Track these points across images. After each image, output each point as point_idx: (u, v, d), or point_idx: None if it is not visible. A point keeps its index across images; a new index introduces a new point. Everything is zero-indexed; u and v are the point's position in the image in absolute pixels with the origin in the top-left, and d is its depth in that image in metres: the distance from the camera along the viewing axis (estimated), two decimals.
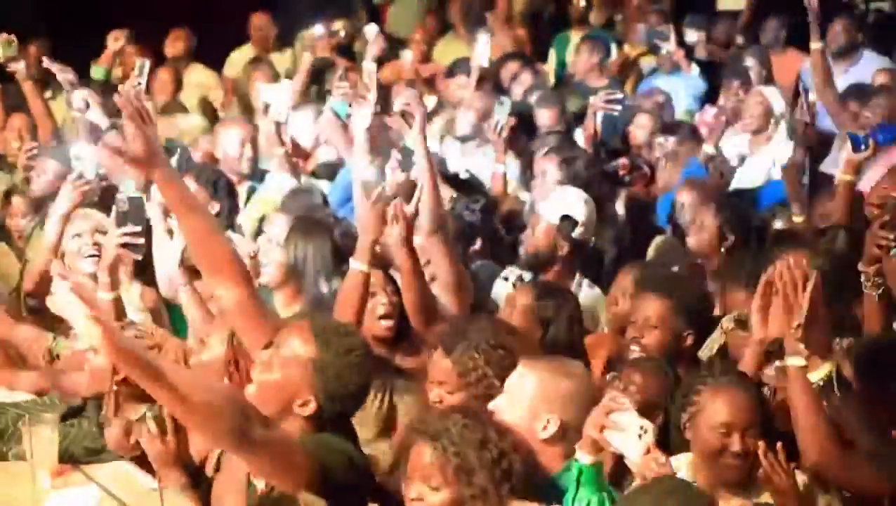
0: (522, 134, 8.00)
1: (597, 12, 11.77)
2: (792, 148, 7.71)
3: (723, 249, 6.27)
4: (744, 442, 4.17)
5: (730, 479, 4.22)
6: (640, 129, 8.45)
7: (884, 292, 5.11)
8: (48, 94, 9.06)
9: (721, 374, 4.36)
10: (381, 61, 10.60)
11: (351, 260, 5.04)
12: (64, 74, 7.48)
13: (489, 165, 7.83)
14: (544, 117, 8.29)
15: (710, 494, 3.99)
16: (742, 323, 5.31)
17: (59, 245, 6.00)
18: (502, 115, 7.57)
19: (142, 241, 5.57)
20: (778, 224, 6.81)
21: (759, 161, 8.11)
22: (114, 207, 5.63)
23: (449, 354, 4.55)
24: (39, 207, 7.01)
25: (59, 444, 4.62)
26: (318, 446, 3.80)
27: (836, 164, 7.52)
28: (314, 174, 7.95)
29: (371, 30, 9.47)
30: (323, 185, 7.61)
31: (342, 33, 11.02)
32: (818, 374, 4.19)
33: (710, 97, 10.04)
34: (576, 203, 6.14)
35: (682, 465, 4.28)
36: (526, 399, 4.19)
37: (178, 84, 10.08)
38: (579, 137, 8.10)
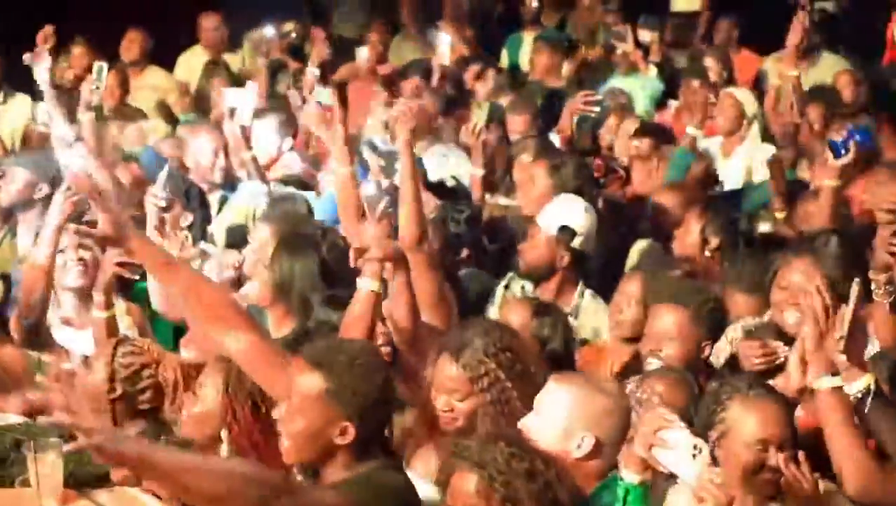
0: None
1: (549, 12, 11.68)
2: (767, 149, 7.76)
3: (707, 253, 6.25)
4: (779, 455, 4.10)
5: (768, 494, 4.14)
6: (610, 130, 8.37)
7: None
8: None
9: (748, 387, 4.26)
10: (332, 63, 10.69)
11: (359, 280, 4.83)
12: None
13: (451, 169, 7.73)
14: (517, 123, 8.18)
15: None
16: (749, 333, 5.28)
17: (54, 260, 5.79)
18: (480, 118, 7.47)
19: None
20: (764, 227, 6.77)
21: (734, 163, 8.08)
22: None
23: (457, 361, 4.42)
24: (8, 216, 6.82)
25: (64, 468, 4.44)
26: (364, 491, 3.70)
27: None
28: (283, 182, 7.78)
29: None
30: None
31: (293, 34, 10.84)
32: (857, 385, 4.11)
33: (666, 99, 10.04)
34: (576, 213, 6.06)
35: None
36: (559, 417, 4.10)
37: (126, 88, 9.85)
38: (554, 139, 8.02)
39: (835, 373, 4.10)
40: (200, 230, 6.76)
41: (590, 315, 5.98)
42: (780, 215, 6.99)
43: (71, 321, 5.96)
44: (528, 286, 6.17)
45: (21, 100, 9.24)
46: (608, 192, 7.58)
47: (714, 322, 5.13)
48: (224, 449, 4.39)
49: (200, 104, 9.47)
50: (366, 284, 4.80)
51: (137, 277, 5.55)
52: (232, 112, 7.73)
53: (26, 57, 7.00)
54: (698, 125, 7.52)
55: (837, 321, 4.04)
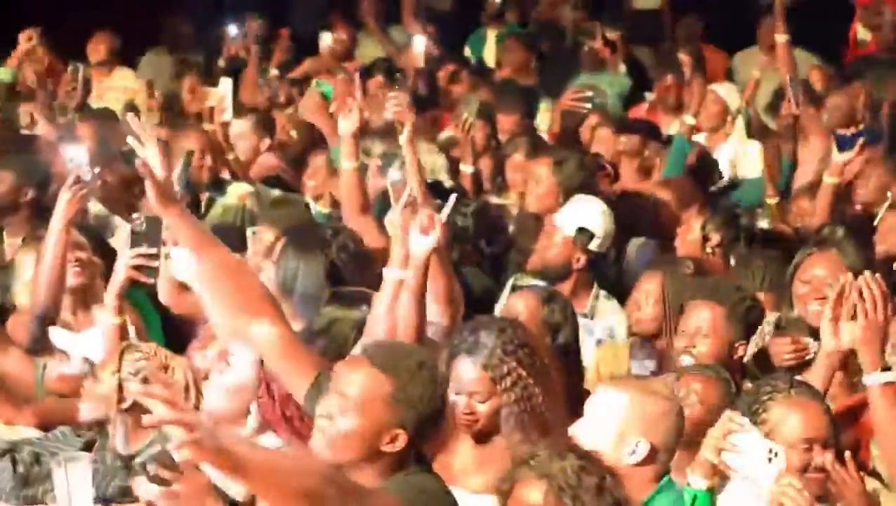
0: None
1: (512, 9, 11.60)
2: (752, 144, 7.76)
3: (708, 249, 6.21)
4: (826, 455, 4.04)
5: (814, 494, 4.06)
6: (588, 129, 8.29)
7: None
8: None
9: (789, 386, 4.20)
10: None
11: (385, 270, 4.69)
12: None
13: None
14: (507, 122, 8.08)
15: None
16: (780, 328, 5.23)
17: (66, 257, 5.57)
18: (469, 114, 7.36)
19: (157, 263, 5.26)
20: (762, 223, 6.75)
21: (720, 160, 8.05)
22: (128, 226, 5.33)
23: (477, 362, 4.31)
24: None
25: None
26: (413, 496, 3.58)
27: None
28: (266, 182, 7.63)
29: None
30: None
31: (257, 33, 10.67)
32: None
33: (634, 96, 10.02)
34: (593, 215, 5.98)
35: None
36: (613, 422, 3.99)
37: (88, 88, 9.63)
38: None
39: (886, 368, 4.05)
40: None
41: (605, 315, 5.90)
42: (771, 202, 6.98)
43: (68, 323, 5.77)
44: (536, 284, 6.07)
45: None
46: (598, 189, 7.48)
47: (750, 322, 5.05)
48: (251, 422, 4.24)
49: (170, 104, 9.27)
50: (394, 274, 4.64)
51: (153, 281, 5.40)
52: (210, 112, 7.58)
53: None
54: (694, 114, 7.44)
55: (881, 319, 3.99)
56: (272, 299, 4.10)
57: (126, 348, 4.84)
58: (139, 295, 6.24)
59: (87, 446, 4.71)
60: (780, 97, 8.77)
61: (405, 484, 3.62)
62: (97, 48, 9.95)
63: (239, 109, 8.01)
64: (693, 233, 6.27)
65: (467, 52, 11.35)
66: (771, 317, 5.29)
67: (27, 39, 8.43)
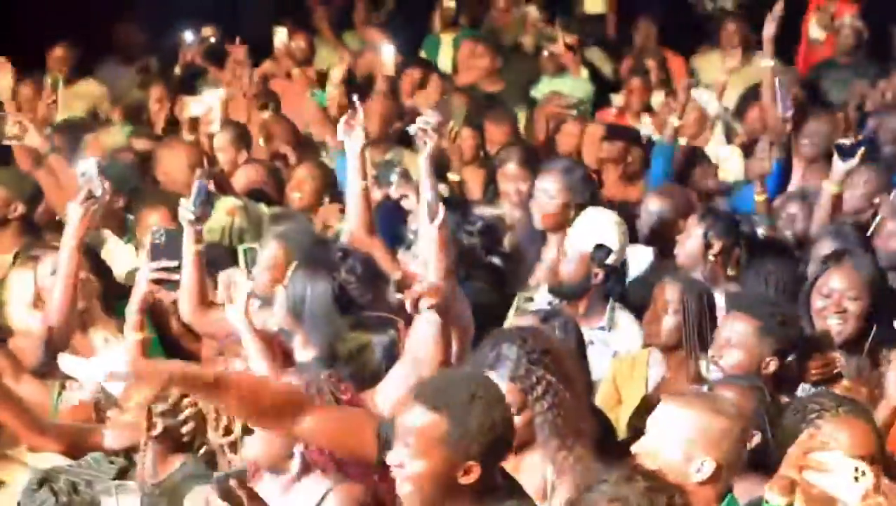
0: None
1: (465, 14, 11.55)
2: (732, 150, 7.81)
3: (710, 257, 6.21)
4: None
5: None
6: (567, 136, 8.29)
7: None
8: None
9: (838, 404, 4.25)
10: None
11: (423, 300, 4.59)
12: None
13: None
14: (497, 133, 8.03)
15: None
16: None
17: (78, 277, 5.44)
18: (457, 122, 7.32)
19: (177, 277, 5.16)
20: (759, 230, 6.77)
21: None
22: (147, 240, 5.21)
23: (503, 375, 4.27)
24: None
25: None
26: None
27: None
28: (249, 196, 7.52)
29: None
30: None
31: (212, 39, 10.56)
32: None
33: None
34: (609, 230, 5.95)
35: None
36: (679, 440, 3.93)
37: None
38: None
39: None
40: None
41: (621, 327, 5.90)
42: (759, 199, 7.09)
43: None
44: (538, 299, 6.05)
45: None
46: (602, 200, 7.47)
47: (783, 339, 4.96)
48: (294, 466, 4.20)
49: (133, 113, 9.13)
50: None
51: (174, 294, 5.31)
52: (192, 122, 7.46)
53: None
54: (679, 115, 7.45)
55: None
56: (292, 392, 4.12)
57: None
58: None
59: (121, 473, 4.59)
60: (746, 101, 8.90)
61: None
62: (60, 61, 9.76)
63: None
64: (695, 240, 6.25)
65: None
66: None
67: None
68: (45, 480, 4.50)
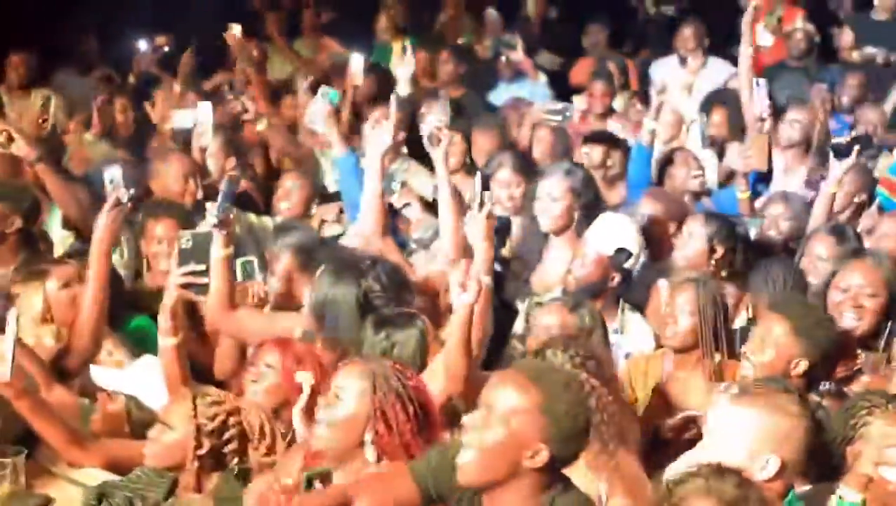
0: None
1: (413, 19, 11.59)
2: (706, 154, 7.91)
3: (713, 261, 6.29)
4: None
5: None
6: (540, 142, 8.32)
7: None
8: None
9: (887, 401, 4.34)
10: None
11: (462, 296, 4.62)
12: None
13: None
14: (485, 140, 8.04)
15: None
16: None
17: (107, 288, 5.40)
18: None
19: (206, 280, 5.14)
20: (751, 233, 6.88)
21: None
22: (175, 244, 5.19)
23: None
24: None
25: None
26: None
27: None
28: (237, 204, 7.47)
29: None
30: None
31: (166, 48, 10.49)
32: None
33: None
34: (629, 233, 6.03)
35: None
36: (744, 439, 4.04)
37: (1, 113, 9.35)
38: None
39: None
40: None
41: (633, 329, 5.97)
42: (743, 196, 7.22)
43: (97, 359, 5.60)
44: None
45: None
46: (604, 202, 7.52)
47: (815, 342, 4.99)
48: (369, 454, 4.17)
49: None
50: (468, 299, 4.61)
51: (202, 298, 5.28)
52: (175, 134, 7.41)
53: None
54: (654, 116, 7.53)
55: None
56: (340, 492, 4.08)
57: (196, 396, 4.69)
58: (144, 321, 6.10)
59: (171, 487, 4.56)
60: (710, 103, 9.03)
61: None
62: (17, 71, 9.62)
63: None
64: (698, 244, 6.32)
65: None
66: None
67: None
68: (102, 495, 4.45)
